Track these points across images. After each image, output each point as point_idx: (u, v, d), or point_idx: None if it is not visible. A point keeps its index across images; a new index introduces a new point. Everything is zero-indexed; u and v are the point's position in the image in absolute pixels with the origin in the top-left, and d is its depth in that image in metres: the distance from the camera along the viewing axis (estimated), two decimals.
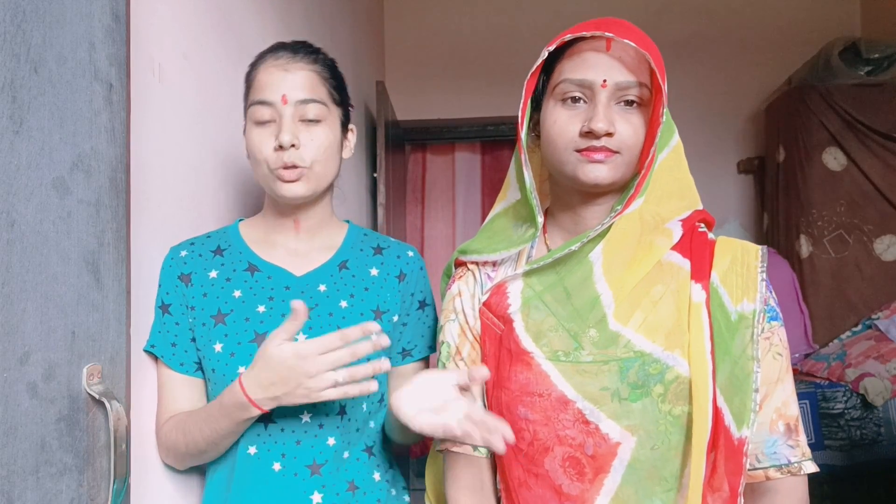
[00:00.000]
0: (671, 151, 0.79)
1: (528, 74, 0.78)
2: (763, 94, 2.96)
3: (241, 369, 0.83)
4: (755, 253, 0.75)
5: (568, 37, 0.74)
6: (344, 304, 0.90)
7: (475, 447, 0.81)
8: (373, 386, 0.76)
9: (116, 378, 0.65)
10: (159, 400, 0.89)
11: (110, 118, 0.64)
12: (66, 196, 0.58)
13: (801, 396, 2.05)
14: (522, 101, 0.78)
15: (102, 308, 0.63)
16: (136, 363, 0.80)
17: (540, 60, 0.77)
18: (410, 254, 0.99)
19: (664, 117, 0.72)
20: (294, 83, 0.85)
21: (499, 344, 0.79)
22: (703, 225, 0.81)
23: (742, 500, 0.70)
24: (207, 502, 0.88)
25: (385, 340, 0.76)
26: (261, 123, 0.86)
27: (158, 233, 0.89)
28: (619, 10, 3.06)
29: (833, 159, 2.54)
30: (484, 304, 0.82)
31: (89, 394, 0.60)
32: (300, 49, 0.89)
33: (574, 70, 0.74)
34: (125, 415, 0.63)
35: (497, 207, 0.88)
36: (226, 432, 0.80)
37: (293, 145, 0.84)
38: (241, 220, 0.99)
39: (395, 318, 0.94)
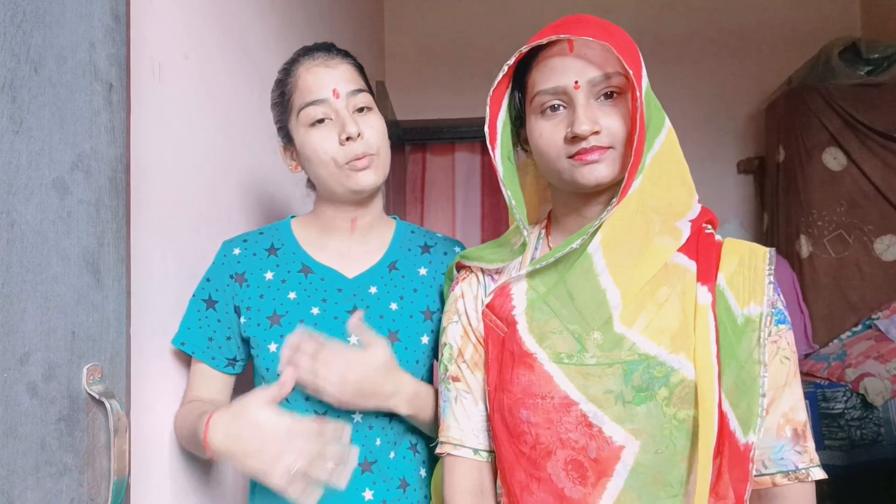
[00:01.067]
0: (667, 134, 0.77)
1: (489, 91, 0.78)
2: (763, 94, 2.96)
3: None
4: (763, 255, 0.73)
5: (525, 48, 0.74)
6: (394, 306, 0.91)
7: (476, 450, 0.81)
8: (310, 501, 0.69)
9: (116, 378, 0.65)
10: (187, 386, 0.93)
11: (110, 118, 0.64)
12: (66, 196, 0.58)
13: None
14: (489, 121, 0.79)
15: (102, 308, 0.63)
16: (136, 363, 0.80)
17: (500, 76, 0.77)
18: (458, 249, 1.00)
19: (642, 99, 0.70)
20: (340, 77, 0.87)
21: (501, 346, 0.78)
22: (709, 226, 0.80)
23: None
24: (261, 500, 0.90)
25: (353, 458, 0.73)
26: (316, 124, 0.86)
27: (158, 233, 0.89)
28: (618, 10, 3.07)
29: (833, 159, 2.54)
30: (487, 305, 0.81)
31: (89, 394, 0.60)
32: (332, 47, 0.91)
33: (545, 80, 0.74)
34: (125, 415, 0.63)
35: (512, 226, 0.89)
36: (198, 452, 0.81)
37: (360, 135, 0.85)
38: (292, 216, 0.99)
39: None
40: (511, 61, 0.76)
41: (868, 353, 2.17)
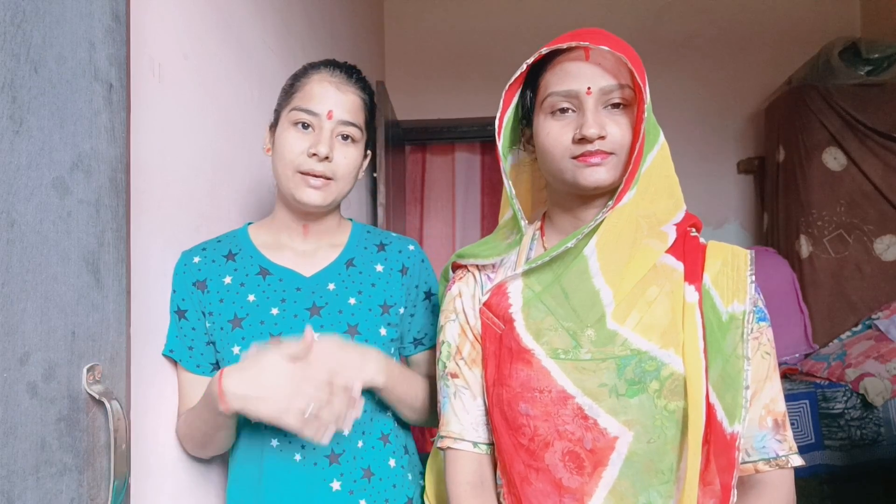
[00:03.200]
0: (659, 150, 0.81)
1: (503, 90, 0.81)
2: (763, 94, 2.96)
3: None
4: (744, 257, 0.78)
5: (545, 50, 0.77)
6: (353, 301, 0.93)
7: (475, 443, 0.83)
8: (324, 440, 0.75)
9: (116, 378, 0.65)
10: (179, 399, 0.93)
11: (110, 118, 0.64)
12: (66, 196, 0.58)
13: (800, 396, 2.06)
14: (500, 113, 0.81)
15: (102, 308, 0.63)
16: (136, 363, 0.80)
17: (519, 73, 0.80)
18: (411, 247, 1.03)
19: (646, 113, 0.75)
20: (342, 103, 0.90)
21: (499, 343, 0.81)
22: (694, 229, 0.84)
23: (735, 493, 0.71)
24: (234, 493, 0.91)
25: (357, 412, 0.78)
26: (298, 125, 0.89)
27: (158, 233, 0.89)
28: (619, 10, 3.07)
29: (833, 159, 2.54)
30: (484, 304, 0.84)
31: (89, 394, 0.60)
32: (354, 73, 0.94)
33: (559, 83, 0.77)
34: (125, 415, 0.63)
35: (504, 217, 0.92)
36: (210, 424, 0.83)
37: (327, 157, 0.87)
38: (249, 223, 1.01)
39: (402, 311, 0.98)
40: (531, 60, 0.79)
41: (868, 353, 2.17)
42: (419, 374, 0.99)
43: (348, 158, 0.90)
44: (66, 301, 0.58)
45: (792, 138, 2.62)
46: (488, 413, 0.83)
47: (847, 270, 2.51)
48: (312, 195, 0.89)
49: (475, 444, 0.83)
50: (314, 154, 0.87)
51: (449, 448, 0.84)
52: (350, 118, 0.90)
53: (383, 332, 0.94)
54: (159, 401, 0.89)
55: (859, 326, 2.42)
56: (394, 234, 1.05)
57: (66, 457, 0.58)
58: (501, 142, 0.83)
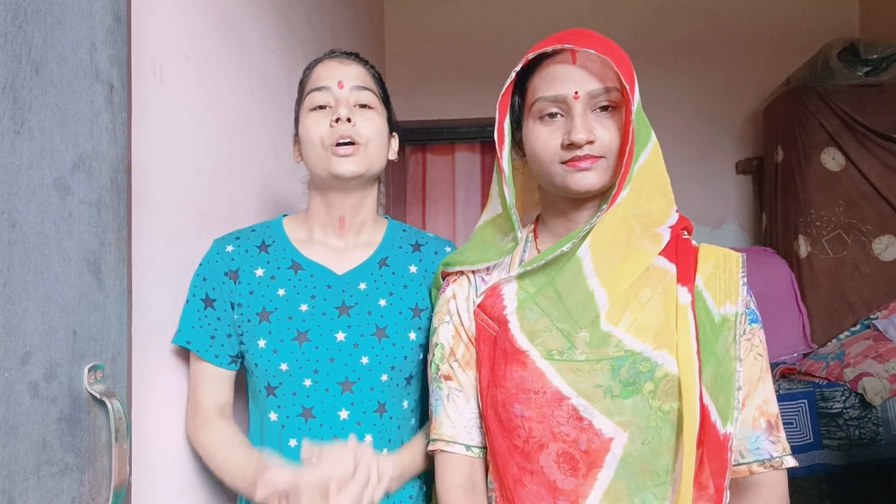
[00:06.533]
0: (652, 149, 0.81)
1: (499, 96, 0.81)
2: (762, 94, 2.97)
3: (283, 366, 0.86)
4: (736, 259, 0.79)
5: (531, 55, 0.77)
6: (383, 302, 0.92)
7: (468, 447, 0.83)
8: None
9: (118, 377, 0.65)
10: (192, 392, 0.92)
11: (111, 119, 0.64)
12: (68, 196, 0.58)
13: (799, 396, 2.06)
14: (497, 123, 0.81)
15: (104, 308, 0.63)
16: (137, 362, 0.80)
17: (509, 82, 0.80)
18: (448, 249, 1.01)
19: (634, 114, 0.75)
20: (350, 73, 0.92)
21: (493, 345, 0.81)
22: (685, 232, 0.84)
23: (728, 495, 0.72)
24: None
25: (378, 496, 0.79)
26: (316, 109, 0.90)
27: (159, 233, 0.89)
28: (617, 11, 3.08)
29: (831, 160, 2.54)
30: (479, 305, 0.84)
31: (90, 393, 0.61)
32: (353, 54, 0.97)
33: (546, 87, 0.77)
34: (126, 414, 0.64)
35: (483, 218, 0.91)
36: (231, 485, 0.85)
37: (349, 120, 0.88)
38: (284, 215, 1.01)
39: None
40: (518, 67, 0.79)
41: (866, 353, 2.18)
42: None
43: (370, 122, 0.90)
44: (68, 301, 0.58)
45: (790, 139, 2.62)
46: (482, 416, 0.82)
47: (845, 270, 2.51)
48: (346, 164, 0.88)
49: (468, 447, 0.83)
50: (337, 120, 0.87)
51: (441, 451, 0.84)
52: (361, 83, 0.91)
53: (413, 336, 0.92)
54: (160, 400, 0.90)
55: (858, 326, 2.42)
56: (430, 235, 1.03)
57: (68, 456, 0.58)
58: (506, 150, 0.82)
